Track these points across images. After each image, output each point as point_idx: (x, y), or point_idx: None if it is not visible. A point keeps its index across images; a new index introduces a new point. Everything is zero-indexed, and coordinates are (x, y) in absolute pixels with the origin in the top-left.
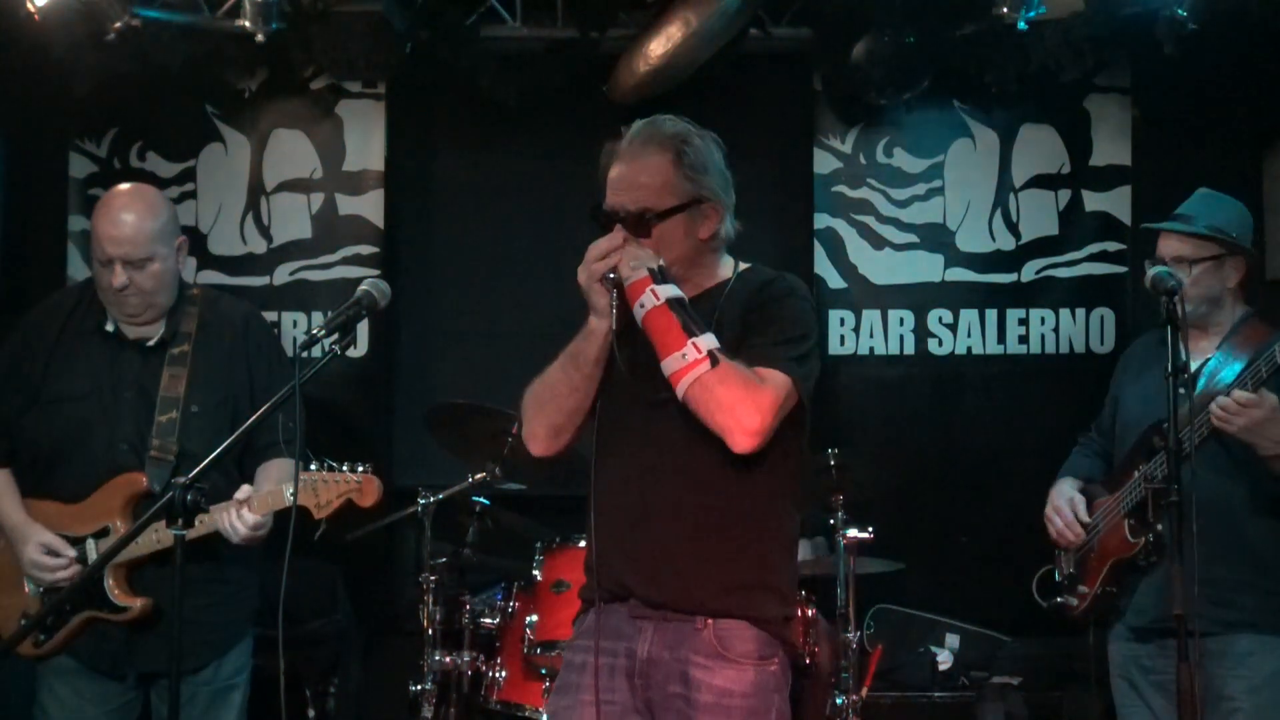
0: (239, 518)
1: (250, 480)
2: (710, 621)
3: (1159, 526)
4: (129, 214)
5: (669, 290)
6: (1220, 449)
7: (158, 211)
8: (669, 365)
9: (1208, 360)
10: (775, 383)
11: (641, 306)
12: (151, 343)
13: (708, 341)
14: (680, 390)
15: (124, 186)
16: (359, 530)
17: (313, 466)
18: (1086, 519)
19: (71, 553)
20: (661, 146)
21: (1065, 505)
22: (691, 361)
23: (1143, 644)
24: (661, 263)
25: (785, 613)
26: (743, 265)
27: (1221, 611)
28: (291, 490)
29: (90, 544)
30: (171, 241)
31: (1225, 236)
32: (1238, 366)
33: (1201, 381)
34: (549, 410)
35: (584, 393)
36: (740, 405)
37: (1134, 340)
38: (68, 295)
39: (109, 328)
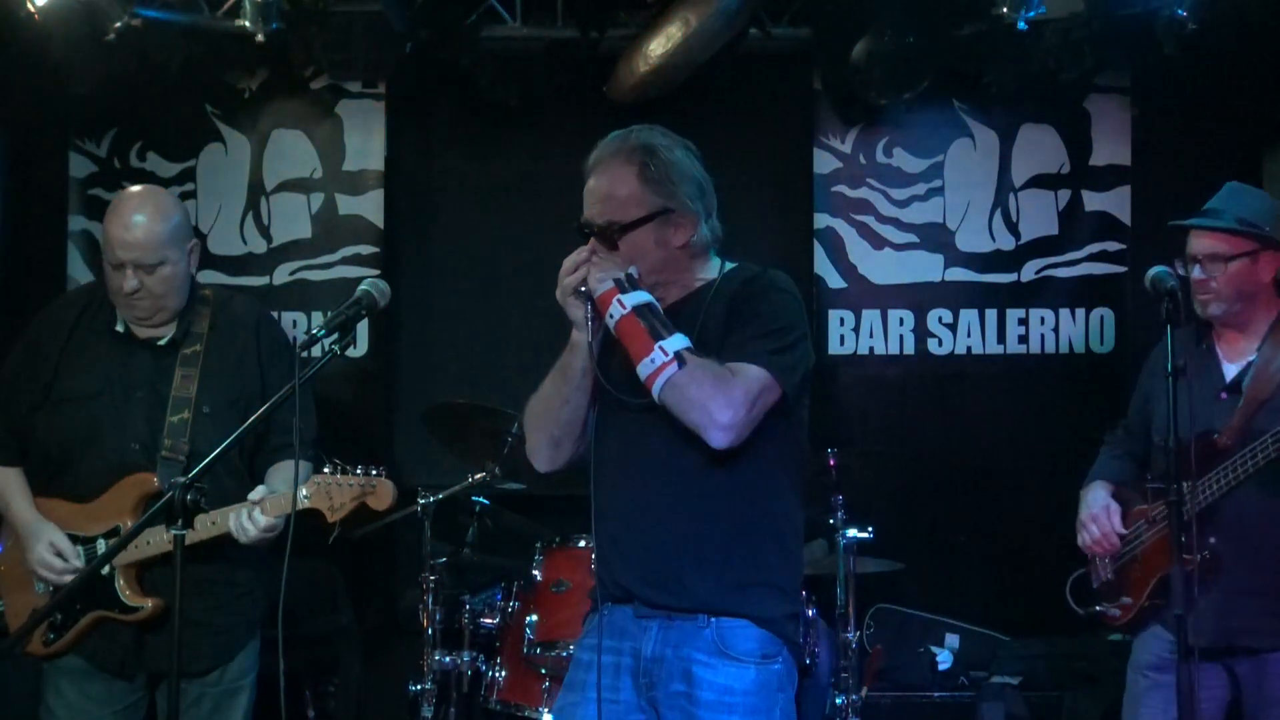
0: (250, 519)
1: (260, 482)
2: (713, 620)
3: (1212, 541)
4: (140, 217)
5: (635, 298)
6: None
7: (169, 215)
8: (641, 371)
9: (1250, 363)
10: (747, 375)
11: (611, 317)
12: (163, 342)
13: (675, 343)
14: (655, 393)
15: (136, 189)
16: (359, 530)
17: (325, 469)
18: (1123, 530)
19: (78, 562)
20: (627, 159)
21: (1102, 514)
22: (660, 365)
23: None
24: (630, 271)
25: (788, 611)
26: (729, 265)
27: (1273, 621)
28: (305, 493)
29: (101, 544)
30: (183, 245)
31: (1258, 230)
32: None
33: (1246, 383)
34: (546, 424)
35: (577, 404)
36: (711, 401)
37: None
38: (78, 295)
39: (119, 328)
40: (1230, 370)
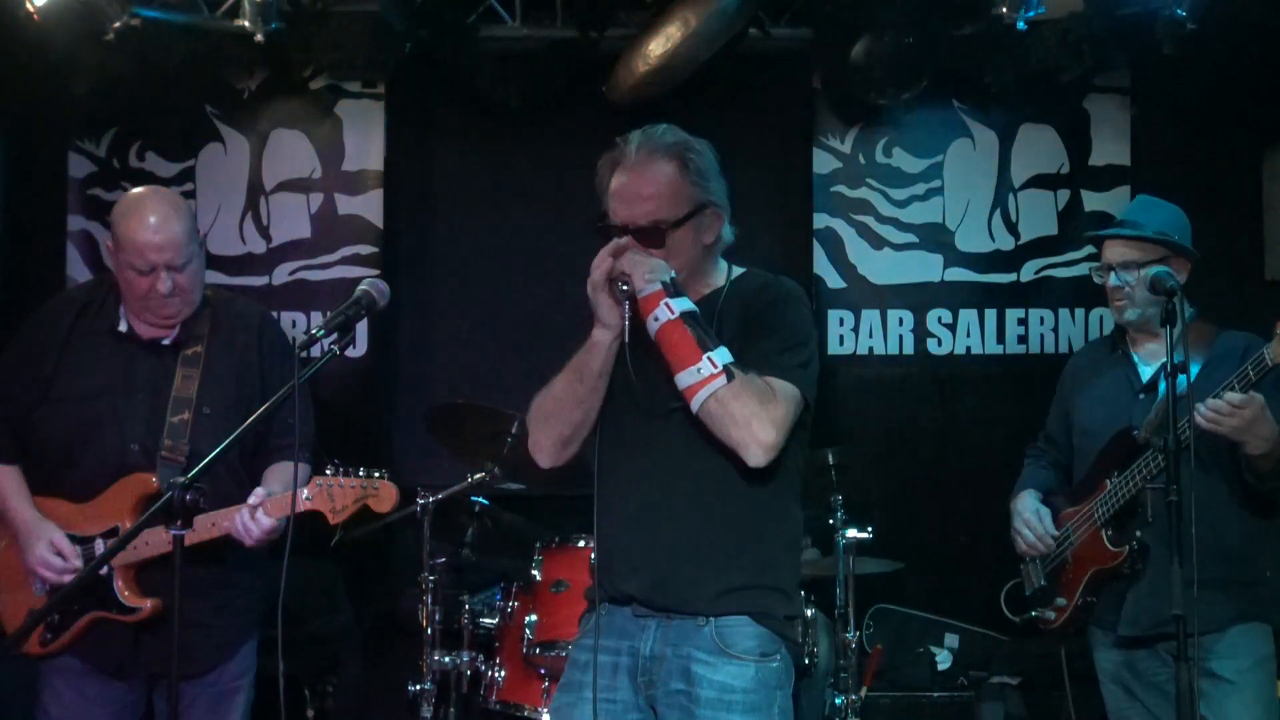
0: (254, 520)
1: (258, 483)
2: (712, 619)
3: (1138, 534)
4: (158, 219)
5: (683, 304)
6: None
7: (184, 212)
8: (683, 379)
9: (1163, 363)
10: (787, 395)
11: (655, 320)
12: (165, 343)
13: (722, 356)
14: (695, 405)
15: (141, 191)
16: (359, 530)
17: (327, 470)
18: (1055, 531)
19: (78, 562)
20: (667, 156)
21: (1034, 518)
22: (707, 376)
23: (1135, 650)
24: (674, 274)
25: (788, 611)
26: (737, 270)
27: (1209, 609)
28: (307, 494)
29: (99, 543)
30: (198, 239)
31: (1169, 239)
32: (1195, 367)
33: (1162, 386)
34: (555, 424)
35: (589, 405)
36: (755, 420)
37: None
38: (76, 294)
39: (122, 328)
40: (1146, 371)
